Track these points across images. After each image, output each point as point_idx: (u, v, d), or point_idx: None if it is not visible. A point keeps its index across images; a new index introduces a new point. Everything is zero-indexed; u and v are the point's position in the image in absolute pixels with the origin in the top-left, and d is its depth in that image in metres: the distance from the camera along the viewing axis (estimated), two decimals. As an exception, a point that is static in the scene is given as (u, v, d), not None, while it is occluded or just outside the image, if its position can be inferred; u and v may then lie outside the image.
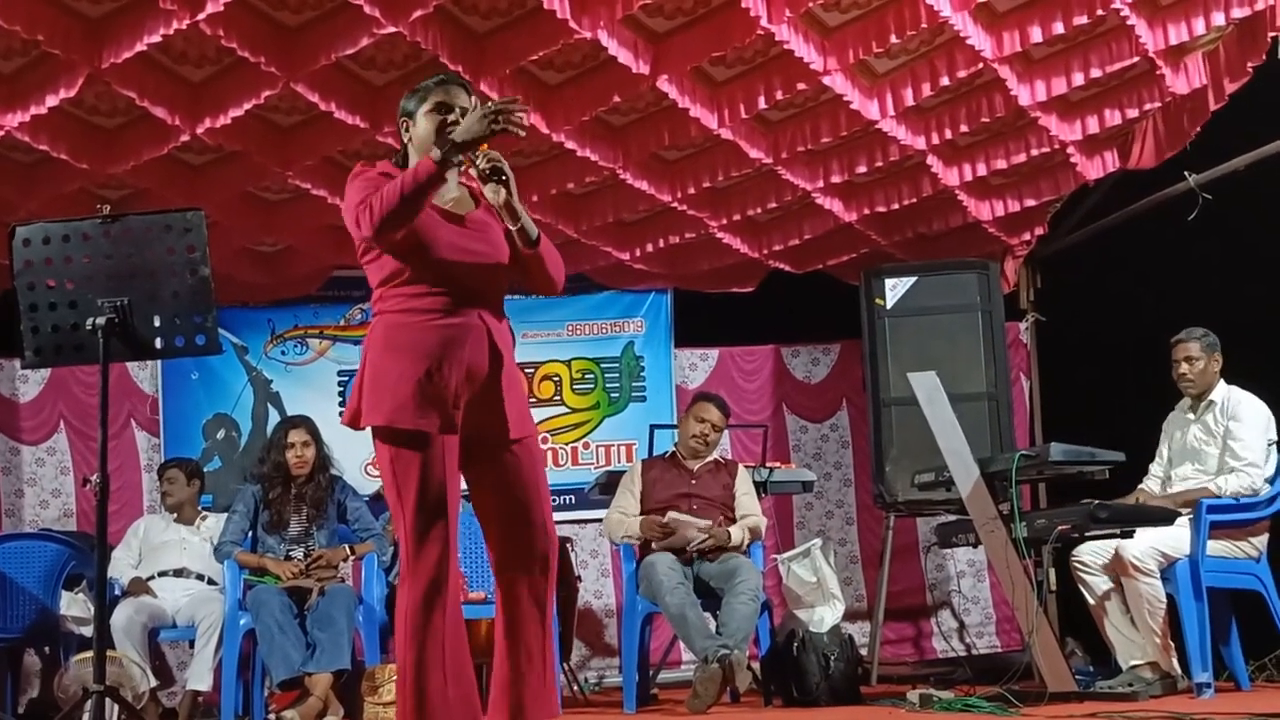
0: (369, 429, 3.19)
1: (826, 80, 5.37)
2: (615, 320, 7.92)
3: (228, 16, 4.61)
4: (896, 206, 6.78)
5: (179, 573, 6.01)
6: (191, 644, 5.77)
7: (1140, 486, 5.48)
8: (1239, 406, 5.21)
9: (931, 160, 6.27)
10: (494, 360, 3.20)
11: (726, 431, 7.57)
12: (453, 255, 3.17)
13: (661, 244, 7.12)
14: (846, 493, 7.99)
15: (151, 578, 5.98)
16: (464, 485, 3.28)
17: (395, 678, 5.06)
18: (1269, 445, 5.18)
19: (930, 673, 6.84)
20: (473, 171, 3.21)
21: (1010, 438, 6.78)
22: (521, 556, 3.24)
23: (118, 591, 5.91)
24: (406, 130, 3.29)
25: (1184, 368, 5.34)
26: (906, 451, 6.62)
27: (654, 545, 5.57)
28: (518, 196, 3.22)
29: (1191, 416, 5.39)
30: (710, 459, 5.89)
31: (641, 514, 5.72)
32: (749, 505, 5.80)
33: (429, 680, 3.08)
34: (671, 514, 5.60)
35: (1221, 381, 5.33)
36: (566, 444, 7.79)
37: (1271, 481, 5.18)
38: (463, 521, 6.05)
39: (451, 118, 3.20)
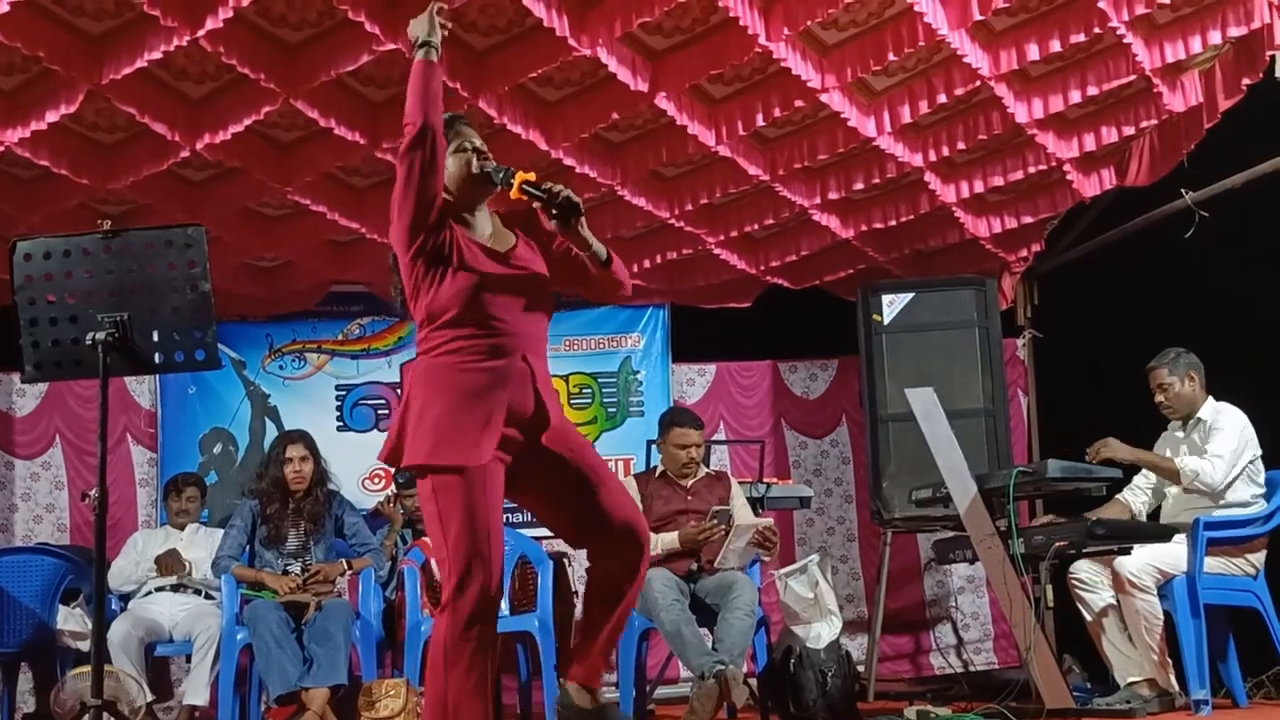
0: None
1: (824, 98, 5.39)
2: (612, 335, 7.92)
3: (228, 33, 4.63)
4: (894, 223, 6.80)
5: (176, 587, 6.01)
6: (188, 658, 5.77)
7: (1118, 496, 5.45)
8: (1218, 417, 5.22)
9: (929, 177, 6.29)
10: (539, 407, 3.26)
11: (725, 447, 7.61)
12: (498, 297, 3.23)
13: (659, 259, 7.14)
14: (848, 509, 7.99)
15: (149, 592, 5.99)
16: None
17: (391, 692, 5.10)
18: (1243, 448, 5.16)
19: (928, 689, 6.83)
20: (543, 208, 3.27)
21: (1008, 454, 6.78)
22: (615, 542, 3.32)
23: (115, 606, 5.91)
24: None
25: (1160, 396, 5.35)
26: (904, 468, 6.62)
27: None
28: (586, 225, 3.30)
29: (1181, 435, 5.39)
30: (703, 473, 5.89)
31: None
32: (748, 518, 5.80)
33: (463, 714, 3.09)
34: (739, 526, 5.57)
35: (1210, 399, 5.31)
36: (564, 459, 7.77)
37: (1267, 499, 5.19)
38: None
39: (477, 159, 3.31)
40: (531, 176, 3.25)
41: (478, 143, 3.35)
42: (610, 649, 3.42)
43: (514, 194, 3.25)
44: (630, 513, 3.36)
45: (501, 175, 3.27)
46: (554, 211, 3.25)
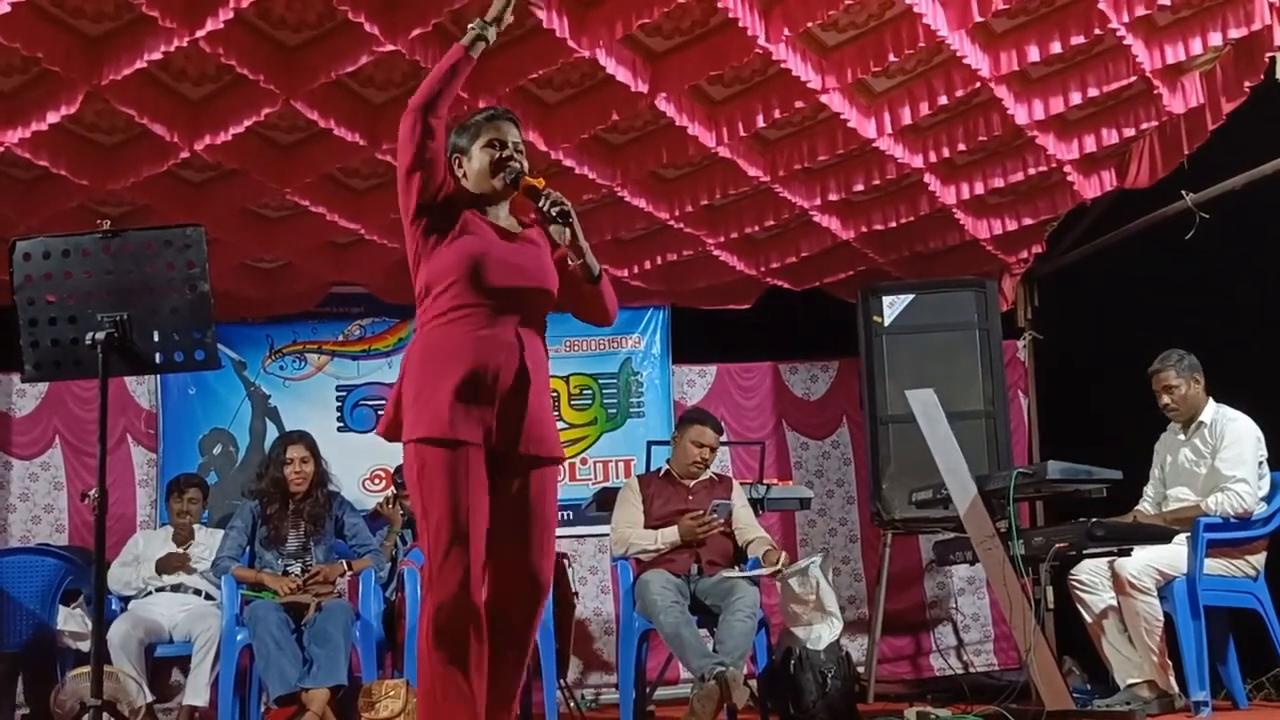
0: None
1: (824, 99, 5.39)
2: (613, 336, 7.91)
3: (227, 35, 4.63)
4: (894, 224, 6.80)
5: (176, 588, 6.02)
6: (189, 659, 5.76)
7: (1135, 509, 5.48)
8: (1228, 425, 5.21)
9: (929, 179, 6.28)
10: (520, 376, 3.23)
11: (726, 448, 7.61)
12: (498, 269, 3.23)
13: (659, 261, 7.14)
14: (850, 511, 7.98)
15: (149, 593, 5.99)
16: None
17: (391, 693, 5.10)
18: (1259, 464, 5.17)
19: (928, 690, 6.83)
20: (537, 212, 3.32)
21: (1008, 455, 6.78)
22: (512, 586, 3.25)
23: (115, 606, 5.91)
24: (459, 165, 3.38)
25: (1165, 398, 5.34)
26: (904, 469, 6.62)
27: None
28: (582, 235, 3.31)
29: (1182, 438, 5.39)
30: (706, 476, 5.89)
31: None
32: (749, 519, 5.80)
33: (445, 699, 3.10)
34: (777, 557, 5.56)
35: (1210, 401, 5.32)
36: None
37: (1268, 500, 5.18)
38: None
39: (506, 153, 3.33)
40: (539, 183, 3.31)
41: (510, 140, 3.36)
42: (515, 694, 3.33)
43: (518, 195, 3.33)
44: (545, 573, 3.30)
45: (512, 176, 3.32)
46: (547, 214, 3.28)
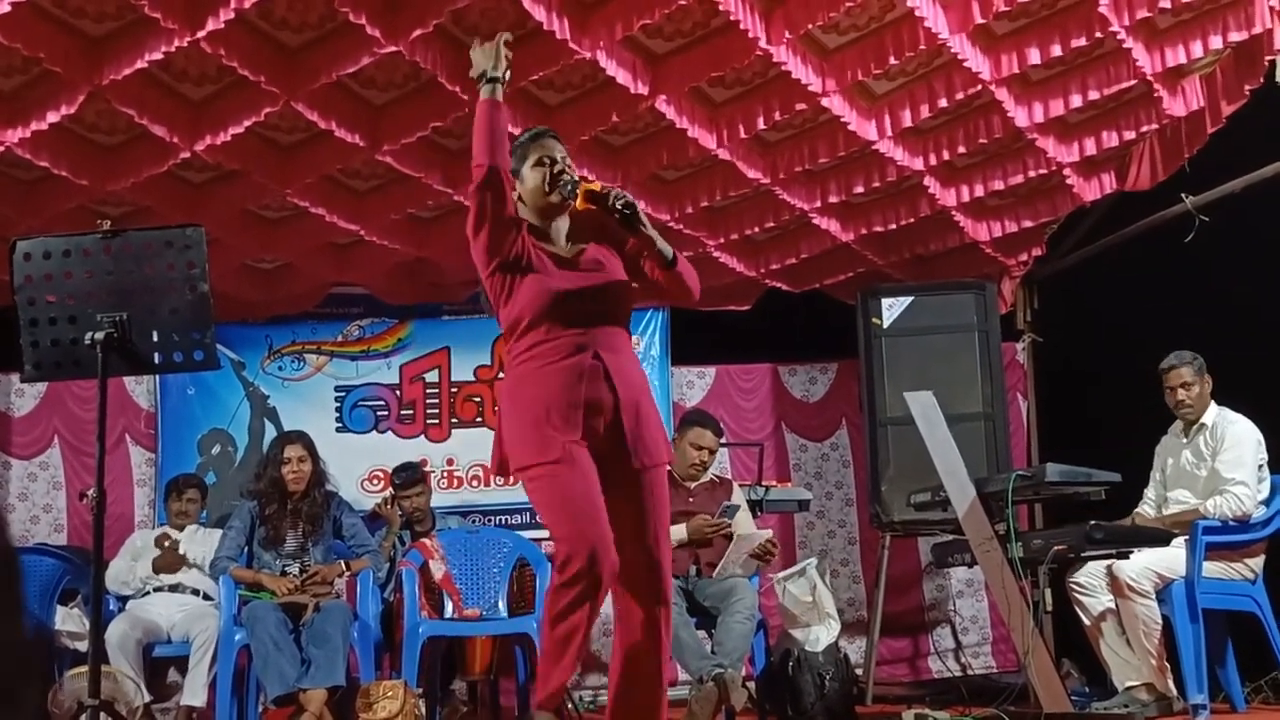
0: None
1: (825, 101, 5.39)
2: (613, 338, 7.90)
3: (228, 35, 4.63)
4: (894, 227, 6.80)
5: (174, 588, 6.02)
6: (186, 659, 5.76)
7: (1136, 511, 5.48)
8: (1229, 428, 5.22)
9: (929, 181, 6.28)
10: (609, 395, 3.36)
11: (725, 449, 7.60)
12: (566, 301, 3.36)
13: (659, 262, 7.13)
14: (849, 513, 7.98)
15: (147, 593, 5.99)
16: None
17: (389, 694, 5.10)
18: (1258, 467, 5.18)
19: (926, 693, 6.83)
20: (604, 212, 3.42)
21: (1007, 458, 6.78)
22: (636, 584, 3.43)
23: (113, 606, 5.91)
24: (513, 189, 3.47)
25: (1181, 394, 5.35)
26: (903, 471, 6.62)
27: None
28: (650, 226, 3.44)
29: (1184, 440, 5.40)
30: (706, 478, 5.89)
31: None
32: (748, 523, 5.80)
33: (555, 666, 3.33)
34: (740, 532, 5.57)
35: (1213, 404, 5.34)
36: (563, 461, 7.75)
37: (1267, 503, 5.18)
38: (458, 538, 6.07)
39: (558, 168, 3.46)
40: (596, 186, 3.42)
41: (559, 156, 3.48)
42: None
43: (579, 204, 3.42)
44: (664, 563, 3.49)
45: (569, 189, 3.42)
46: (615, 216, 3.39)
